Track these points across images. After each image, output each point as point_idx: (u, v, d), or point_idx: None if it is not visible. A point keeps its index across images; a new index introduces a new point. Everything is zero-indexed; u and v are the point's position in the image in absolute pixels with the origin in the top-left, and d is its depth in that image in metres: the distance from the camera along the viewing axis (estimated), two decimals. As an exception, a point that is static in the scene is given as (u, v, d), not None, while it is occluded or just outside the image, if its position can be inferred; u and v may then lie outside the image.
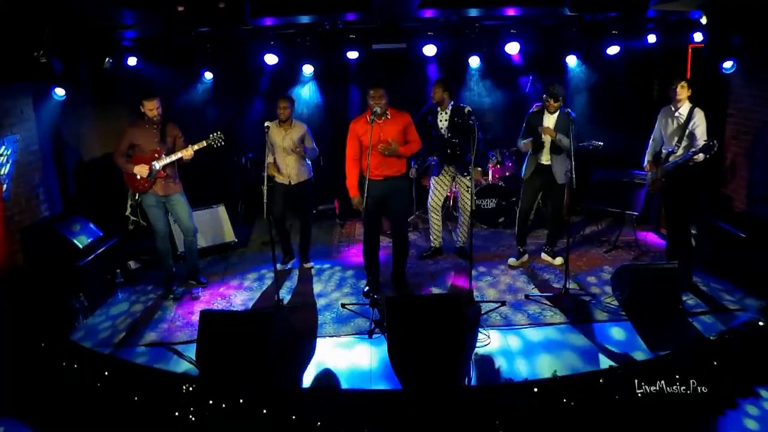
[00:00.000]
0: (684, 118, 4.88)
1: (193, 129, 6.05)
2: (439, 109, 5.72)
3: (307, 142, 5.68)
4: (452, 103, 5.70)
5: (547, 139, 5.40)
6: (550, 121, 5.40)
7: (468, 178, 5.78)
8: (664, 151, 5.10)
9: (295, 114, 5.73)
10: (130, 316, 5.14)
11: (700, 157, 4.68)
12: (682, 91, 4.86)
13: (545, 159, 5.48)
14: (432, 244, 6.21)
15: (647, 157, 5.32)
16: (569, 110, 5.11)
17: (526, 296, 5.14)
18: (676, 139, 4.93)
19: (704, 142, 4.67)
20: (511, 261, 5.86)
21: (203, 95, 7.65)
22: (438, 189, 5.95)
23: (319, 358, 4.33)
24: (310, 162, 5.79)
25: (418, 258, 6.10)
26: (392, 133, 4.88)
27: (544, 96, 5.36)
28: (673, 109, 4.98)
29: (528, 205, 5.73)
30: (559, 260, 5.81)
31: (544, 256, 5.94)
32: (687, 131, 4.85)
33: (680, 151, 4.92)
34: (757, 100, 5.82)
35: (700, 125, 4.81)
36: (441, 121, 5.71)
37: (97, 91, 6.76)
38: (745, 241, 4.99)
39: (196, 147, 5.13)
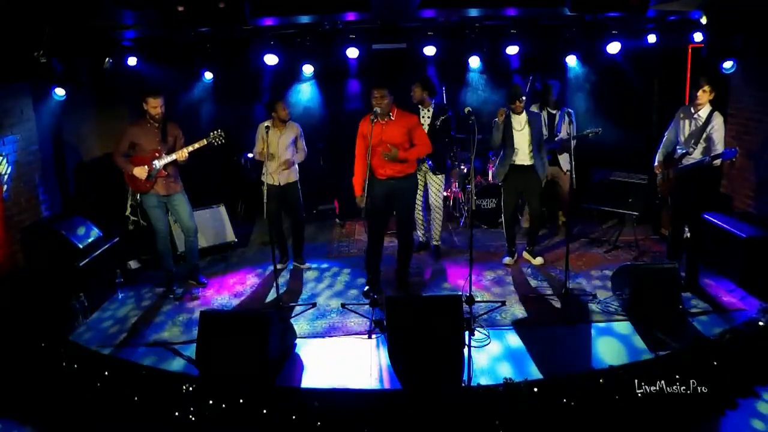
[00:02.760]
0: (702, 120, 4.87)
1: (193, 129, 6.06)
2: (420, 108, 5.78)
3: (299, 142, 5.71)
4: (434, 101, 5.78)
5: (522, 139, 5.45)
6: (518, 122, 5.46)
7: (437, 178, 5.90)
8: (678, 151, 5.10)
9: (294, 114, 5.75)
10: (130, 316, 5.14)
11: (718, 162, 4.71)
12: (704, 95, 4.83)
13: (519, 160, 5.53)
14: (419, 239, 6.35)
15: (658, 158, 5.31)
16: (569, 110, 5.12)
17: (526, 296, 5.14)
18: (692, 141, 4.92)
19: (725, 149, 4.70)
20: (507, 260, 5.90)
21: (203, 95, 7.66)
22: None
23: (320, 358, 4.33)
24: (297, 165, 5.79)
25: None
26: (394, 135, 4.84)
27: (508, 102, 5.43)
28: (692, 110, 4.96)
29: (512, 209, 5.81)
30: (539, 260, 5.88)
31: (526, 255, 5.98)
32: (705, 134, 4.84)
33: (696, 154, 4.92)
34: (757, 100, 5.82)
35: (718, 130, 4.80)
36: (423, 118, 5.76)
37: (98, 91, 6.76)
38: (745, 241, 4.99)
39: (190, 148, 5.13)
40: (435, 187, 5.96)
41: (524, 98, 5.40)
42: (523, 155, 5.51)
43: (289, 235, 6.07)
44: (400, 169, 4.93)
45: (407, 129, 4.91)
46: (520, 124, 5.47)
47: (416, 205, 6.10)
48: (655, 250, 6.12)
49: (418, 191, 6.01)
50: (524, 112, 5.45)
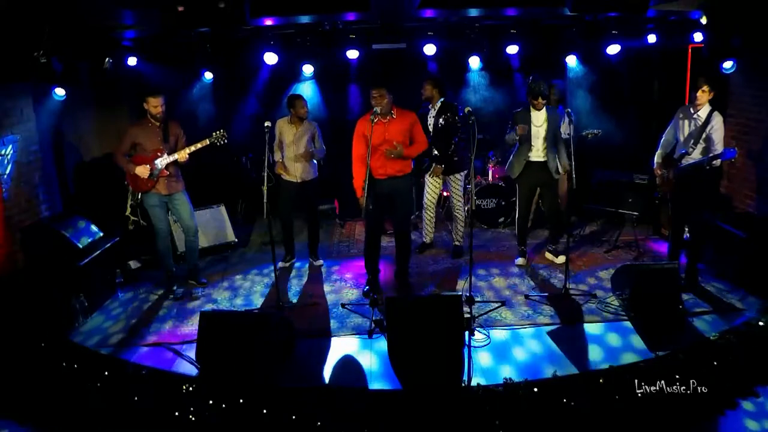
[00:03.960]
0: (702, 120, 4.87)
1: (193, 129, 6.06)
2: (430, 106, 5.75)
3: (317, 141, 5.73)
4: (442, 100, 5.75)
5: (539, 135, 5.41)
6: (538, 118, 5.42)
7: (455, 177, 5.85)
8: (676, 152, 5.10)
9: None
10: (131, 316, 5.14)
11: (718, 162, 4.71)
12: (703, 95, 4.83)
13: (535, 156, 5.49)
14: (423, 240, 6.33)
15: (657, 159, 5.31)
16: (569, 110, 5.12)
17: (526, 296, 5.14)
18: (692, 141, 4.92)
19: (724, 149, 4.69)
20: (520, 261, 5.87)
21: (203, 95, 7.65)
22: (431, 186, 5.99)
23: (320, 358, 4.33)
24: (316, 162, 5.81)
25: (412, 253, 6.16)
26: (397, 133, 4.86)
27: (529, 97, 5.39)
28: (692, 110, 4.96)
29: (526, 206, 5.75)
30: (561, 258, 5.83)
31: (548, 255, 5.95)
32: (704, 134, 4.84)
33: (695, 154, 4.92)
34: (757, 100, 5.82)
35: (718, 130, 4.81)
36: (430, 117, 5.74)
37: (98, 91, 6.76)
38: (745, 241, 4.99)
39: (192, 148, 5.15)
40: (455, 188, 5.92)
41: (545, 95, 5.35)
42: (537, 151, 5.48)
43: (298, 233, 6.07)
44: (400, 168, 4.95)
45: (409, 126, 4.93)
46: (539, 120, 5.44)
47: (428, 206, 6.10)
48: (655, 250, 6.12)
49: (434, 192, 6.02)
50: (544, 108, 5.41)
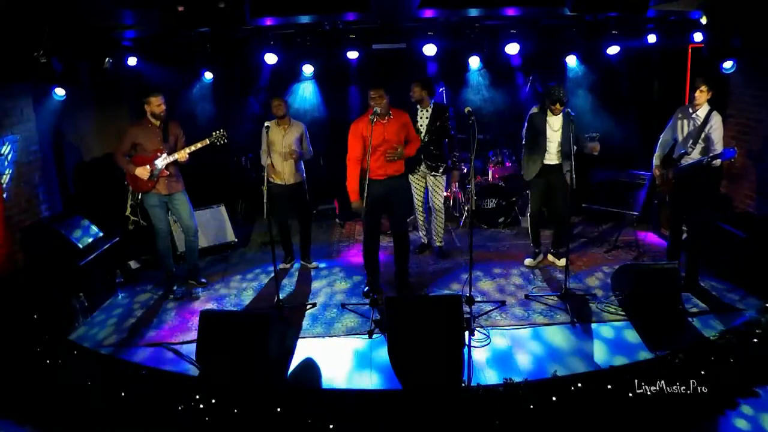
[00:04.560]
0: (701, 120, 4.87)
1: (193, 129, 6.05)
2: (419, 107, 5.75)
3: (304, 142, 5.70)
4: (433, 101, 5.74)
5: (554, 139, 5.40)
6: (555, 122, 5.40)
7: (440, 178, 5.87)
8: (676, 152, 5.10)
9: (295, 114, 5.74)
10: (130, 316, 5.14)
11: (718, 162, 4.71)
12: (702, 95, 4.83)
13: (549, 159, 5.47)
14: (421, 240, 6.35)
15: (655, 161, 5.31)
16: (569, 110, 5.12)
17: (526, 296, 5.14)
18: (690, 141, 4.92)
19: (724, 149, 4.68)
20: (528, 261, 5.86)
21: (203, 95, 7.65)
22: (417, 187, 6.01)
23: (320, 358, 4.33)
24: (303, 164, 5.81)
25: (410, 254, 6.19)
26: (395, 133, 4.88)
27: (548, 101, 5.33)
28: (690, 110, 4.97)
29: (538, 207, 5.73)
30: (563, 261, 5.81)
31: (550, 257, 5.94)
32: (703, 134, 4.85)
33: (695, 154, 4.92)
34: (757, 100, 5.82)
35: (717, 129, 4.81)
36: (421, 118, 5.73)
37: (98, 91, 6.76)
38: (745, 241, 4.99)
39: (192, 148, 5.15)
40: (436, 189, 5.93)
41: (564, 102, 5.25)
42: (551, 155, 5.46)
43: (295, 234, 6.08)
44: (397, 168, 4.98)
45: (404, 126, 4.97)
46: (556, 125, 5.40)
47: (417, 207, 6.13)
48: (655, 250, 6.12)
49: (419, 192, 6.05)
50: (561, 113, 5.34)
